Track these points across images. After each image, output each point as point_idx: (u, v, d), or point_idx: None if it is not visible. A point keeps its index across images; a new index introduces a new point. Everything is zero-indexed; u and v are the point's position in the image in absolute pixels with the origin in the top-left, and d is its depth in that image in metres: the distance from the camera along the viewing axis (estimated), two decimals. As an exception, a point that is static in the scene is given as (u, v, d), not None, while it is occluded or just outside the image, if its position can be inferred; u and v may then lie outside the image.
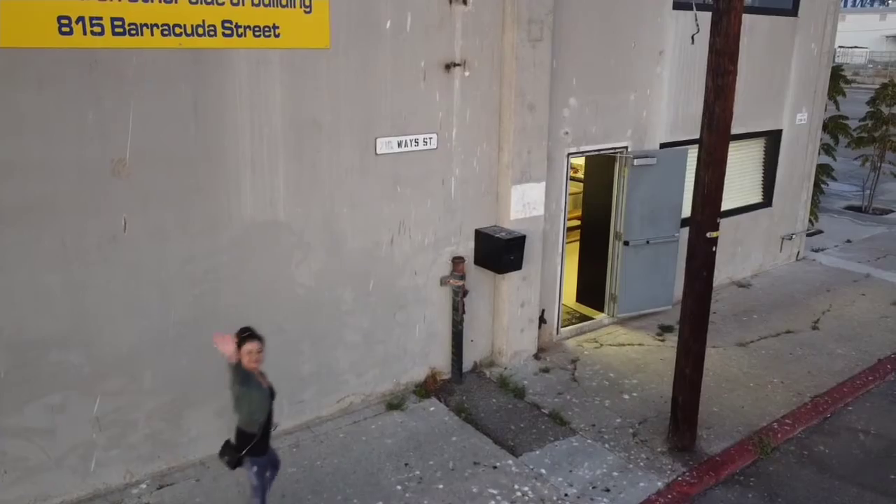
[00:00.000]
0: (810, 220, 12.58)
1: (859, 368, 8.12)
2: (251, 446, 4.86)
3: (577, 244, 9.61)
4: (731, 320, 9.36)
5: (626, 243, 8.83)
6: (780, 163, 10.89)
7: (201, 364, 6.03)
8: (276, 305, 6.35)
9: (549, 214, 8.05)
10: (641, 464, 6.30)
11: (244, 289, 6.14)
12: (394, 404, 7.10)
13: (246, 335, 4.75)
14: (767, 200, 10.99)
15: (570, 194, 8.46)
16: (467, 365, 7.80)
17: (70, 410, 5.49)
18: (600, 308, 9.30)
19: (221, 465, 5.05)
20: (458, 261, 7.35)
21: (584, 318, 9.23)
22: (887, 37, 65.91)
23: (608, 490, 5.93)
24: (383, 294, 7.02)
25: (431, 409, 7.13)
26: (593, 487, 5.95)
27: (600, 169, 8.96)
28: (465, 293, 7.40)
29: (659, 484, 6.04)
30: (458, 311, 7.43)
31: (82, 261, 5.36)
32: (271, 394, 5.01)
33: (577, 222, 9.73)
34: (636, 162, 8.55)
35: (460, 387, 7.52)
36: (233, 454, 4.88)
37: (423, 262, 7.23)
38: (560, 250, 8.38)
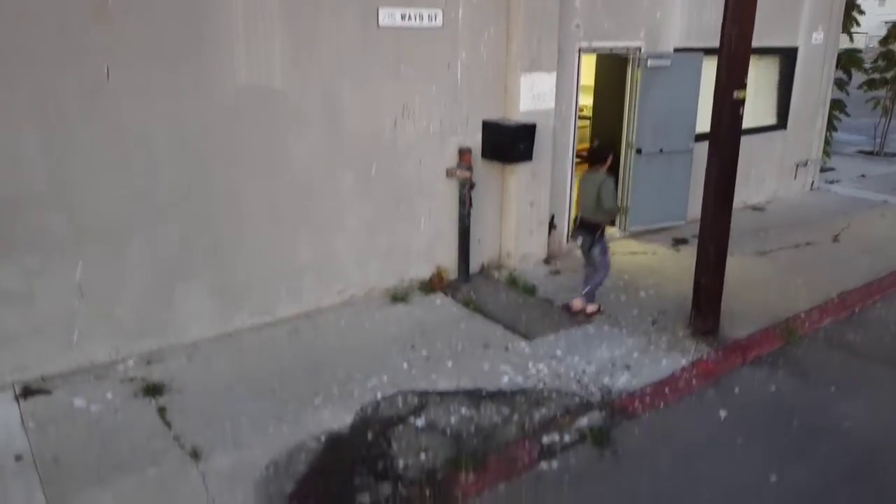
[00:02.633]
0: (822, 158, 12.20)
1: (885, 272, 7.73)
2: (602, 230, 6.27)
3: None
4: (749, 236, 8.95)
5: (638, 151, 8.44)
6: (795, 84, 10.51)
7: (192, 239, 5.65)
8: (272, 182, 5.95)
9: (560, 113, 7.65)
10: (663, 346, 5.92)
11: (238, 161, 5.75)
12: (398, 297, 6.72)
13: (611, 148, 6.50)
14: (782, 123, 10.61)
15: (579, 128, 8.09)
16: (474, 267, 7.41)
17: (50, 275, 5.09)
18: (612, 225, 8.91)
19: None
20: (464, 152, 6.96)
21: (595, 232, 8.84)
22: (886, 22, 65.45)
23: (628, 367, 5.55)
24: (386, 182, 6.62)
25: (438, 302, 6.75)
26: (613, 365, 5.57)
27: (612, 74, 8.55)
28: (471, 186, 7.00)
29: (683, 361, 5.66)
30: (464, 204, 7.04)
31: (61, 116, 4.95)
32: None
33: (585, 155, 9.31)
34: (650, 63, 8.15)
35: (467, 285, 7.14)
36: (589, 236, 6.25)
37: (427, 151, 6.82)
38: (570, 154, 8.00)
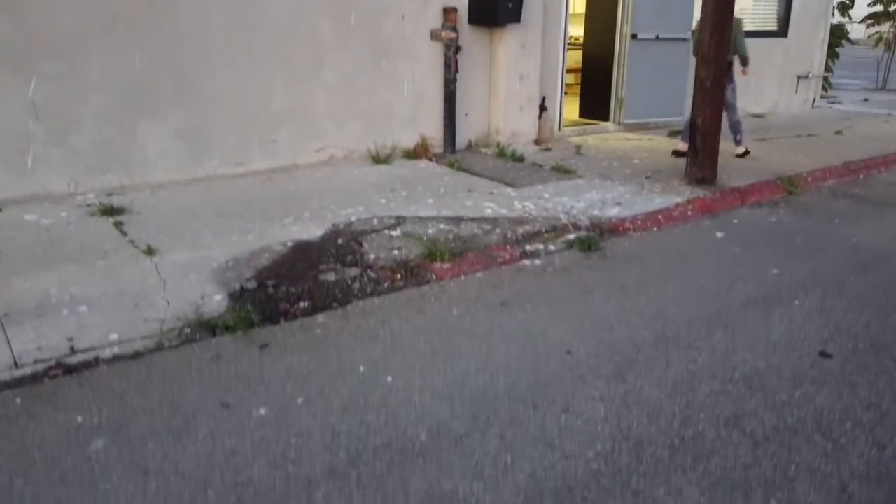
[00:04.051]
0: (823, 87, 11.87)
1: (890, 152, 7.40)
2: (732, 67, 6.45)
3: (577, 91, 8.99)
4: (748, 133, 8.59)
5: (633, 36, 8.10)
6: (796, -11, 10.15)
7: (156, 72, 5.32)
8: (242, 19, 5.61)
9: (549, -15, 7.30)
10: (657, 190, 5.60)
11: (206, -8, 5.42)
12: (380, 160, 6.38)
13: None
14: (782, 30, 10.25)
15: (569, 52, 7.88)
16: (461, 142, 7.07)
17: None
18: (605, 119, 8.59)
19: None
20: (449, 11, 6.62)
21: (588, 125, 8.52)
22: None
23: (619, 204, 5.22)
24: (366, 35, 6.29)
25: (421, 164, 6.42)
26: (603, 203, 5.24)
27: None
28: (457, 49, 6.67)
29: (678, 199, 5.33)
30: (449, 68, 6.70)
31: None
32: None
33: (577, 79, 9.11)
34: (645, -60, 7.82)
35: (453, 156, 6.80)
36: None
37: (410, 8, 6.48)
38: (562, 29, 7.62)
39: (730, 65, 6.39)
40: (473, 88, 7.08)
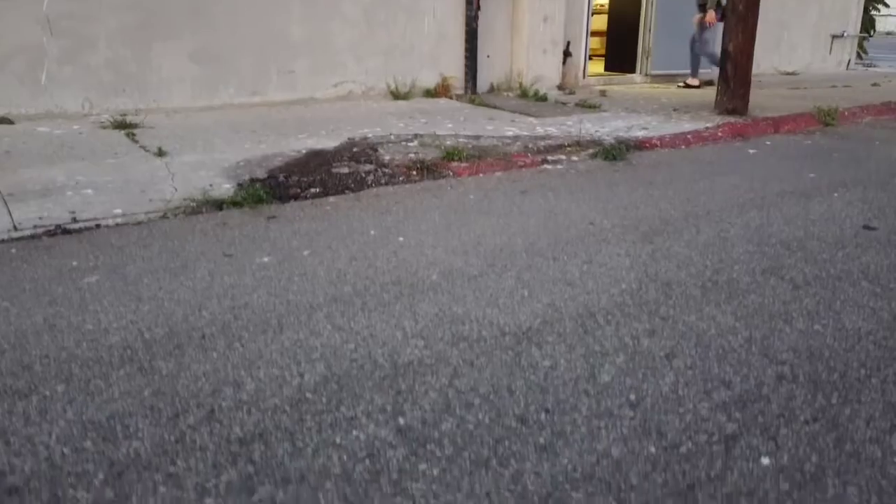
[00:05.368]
0: (858, 54, 11.50)
1: (932, 99, 7.08)
2: None
3: (602, 53, 8.82)
4: (781, 86, 8.33)
5: (662, -17, 7.86)
6: (831, -57, 9.83)
7: (172, -6, 5.22)
8: (261, -54, 5.50)
9: (575, -75, 7.11)
10: (685, 119, 5.38)
11: (223, -87, 5.31)
12: (399, 95, 6.24)
13: None
14: (817, -14, 9.93)
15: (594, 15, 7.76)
16: (483, 85, 6.89)
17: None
18: (631, 71, 8.35)
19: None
20: (472, -54, 6.46)
21: (614, 76, 8.30)
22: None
23: (646, 129, 5.01)
24: (385, -31, 6.15)
25: (442, 101, 6.26)
26: (629, 128, 5.04)
27: None
28: (479, -15, 6.50)
29: (707, 125, 5.11)
30: (471, 4, 6.53)
31: None
32: None
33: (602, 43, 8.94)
34: None
35: (474, 95, 6.63)
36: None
37: (431, -58, 6.34)
38: (588, -28, 7.42)
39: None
40: (495, 29, 6.91)
